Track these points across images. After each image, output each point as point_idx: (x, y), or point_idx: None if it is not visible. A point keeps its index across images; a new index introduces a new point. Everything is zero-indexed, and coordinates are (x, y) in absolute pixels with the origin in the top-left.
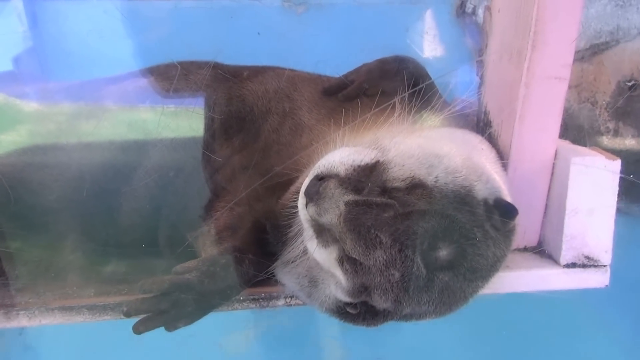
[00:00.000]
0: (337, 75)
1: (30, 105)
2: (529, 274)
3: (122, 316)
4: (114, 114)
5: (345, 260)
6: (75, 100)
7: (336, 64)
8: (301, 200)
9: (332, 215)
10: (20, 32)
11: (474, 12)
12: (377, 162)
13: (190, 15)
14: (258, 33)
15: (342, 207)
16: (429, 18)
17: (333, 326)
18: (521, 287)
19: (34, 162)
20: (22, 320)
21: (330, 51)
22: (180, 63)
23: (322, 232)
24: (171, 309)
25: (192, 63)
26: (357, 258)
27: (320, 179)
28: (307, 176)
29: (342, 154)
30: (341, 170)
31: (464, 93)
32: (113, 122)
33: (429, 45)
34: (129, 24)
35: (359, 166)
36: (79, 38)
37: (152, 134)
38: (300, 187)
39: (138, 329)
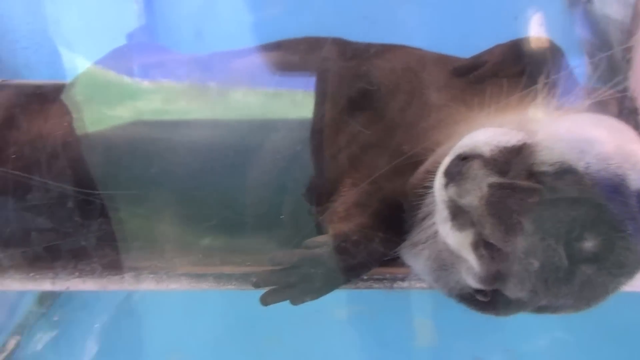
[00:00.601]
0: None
1: (148, 82)
2: None
3: (246, 286)
4: (237, 90)
5: (481, 245)
6: (197, 75)
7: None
8: (440, 180)
9: (474, 197)
10: (134, 9)
11: (588, 1)
12: (524, 144)
13: None
14: (365, 17)
15: (485, 189)
16: (539, 7)
17: None
18: None
19: (161, 137)
20: (150, 284)
21: (435, 38)
22: (309, 38)
23: (458, 214)
24: (300, 283)
25: (319, 39)
26: (494, 244)
27: (463, 159)
28: (446, 156)
29: (487, 134)
30: (486, 150)
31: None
32: (237, 98)
33: (538, 35)
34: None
35: (504, 147)
36: (194, 15)
37: (279, 109)
38: (431, 168)
39: (266, 301)
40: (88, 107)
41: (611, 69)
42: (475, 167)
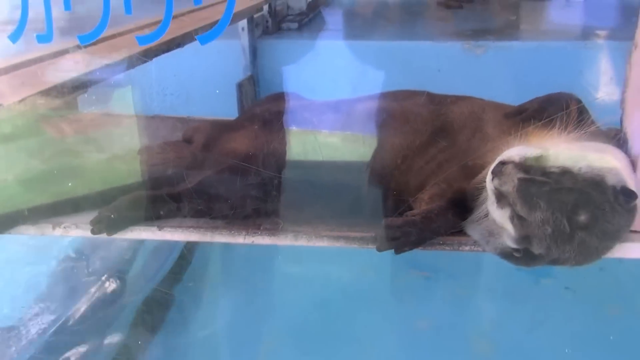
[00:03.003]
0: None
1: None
2: None
3: (363, 245)
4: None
5: (515, 218)
6: (326, 119)
7: (512, 100)
8: (489, 177)
9: (509, 186)
10: (242, 64)
11: None
12: (541, 155)
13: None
14: (438, 70)
15: (516, 181)
16: (604, 60)
17: None
18: None
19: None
20: (303, 241)
21: (506, 89)
22: (406, 91)
23: (500, 198)
24: (401, 237)
25: (414, 91)
26: (523, 216)
27: (503, 163)
28: (493, 163)
29: (518, 149)
30: (516, 158)
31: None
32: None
33: (604, 87)
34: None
35: (528, 156)
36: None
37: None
38: (486, 174)
39: (380, 248)
40: None
41: None
42: (510, 168)
